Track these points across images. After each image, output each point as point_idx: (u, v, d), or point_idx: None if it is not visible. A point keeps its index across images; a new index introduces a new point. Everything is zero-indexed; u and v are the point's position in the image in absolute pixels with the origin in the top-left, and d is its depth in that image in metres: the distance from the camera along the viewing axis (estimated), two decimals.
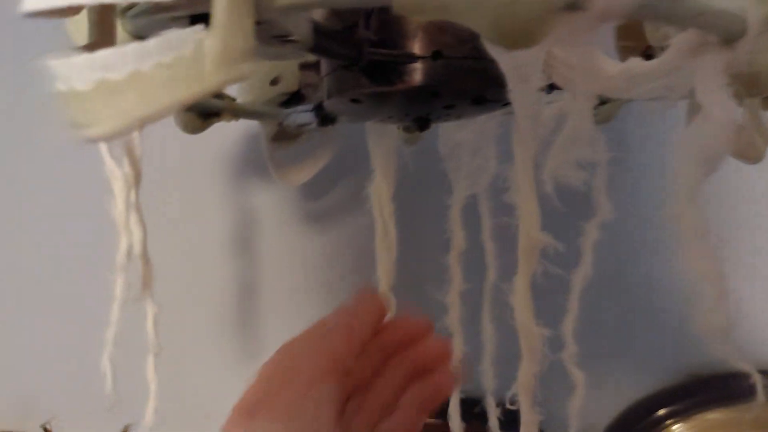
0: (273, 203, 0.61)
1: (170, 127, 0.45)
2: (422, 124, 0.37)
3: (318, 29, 0.25)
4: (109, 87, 0.17)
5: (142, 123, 0.18)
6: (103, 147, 0.37)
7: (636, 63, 0.29)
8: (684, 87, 0.28)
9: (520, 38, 0.19)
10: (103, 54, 0.17)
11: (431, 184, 0.43)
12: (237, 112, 0.47)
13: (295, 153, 0.55)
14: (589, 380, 0.53)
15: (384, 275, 0.45)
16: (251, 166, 0.60)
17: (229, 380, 0.61)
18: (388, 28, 0.31)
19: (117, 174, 0.36)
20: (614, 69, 0.29)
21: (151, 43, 0.18)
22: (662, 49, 0.38)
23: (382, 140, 0.44)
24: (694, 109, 0.39)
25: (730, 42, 0.25)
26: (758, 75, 0.26)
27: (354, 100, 0.34)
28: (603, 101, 0.47)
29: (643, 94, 0.30)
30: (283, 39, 0.23)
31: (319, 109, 0.46)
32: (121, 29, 0.23)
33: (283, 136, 0.54)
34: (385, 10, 0.31)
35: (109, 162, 0.37)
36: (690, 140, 0.25)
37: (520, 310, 0.33)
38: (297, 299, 0.61)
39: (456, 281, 0.49)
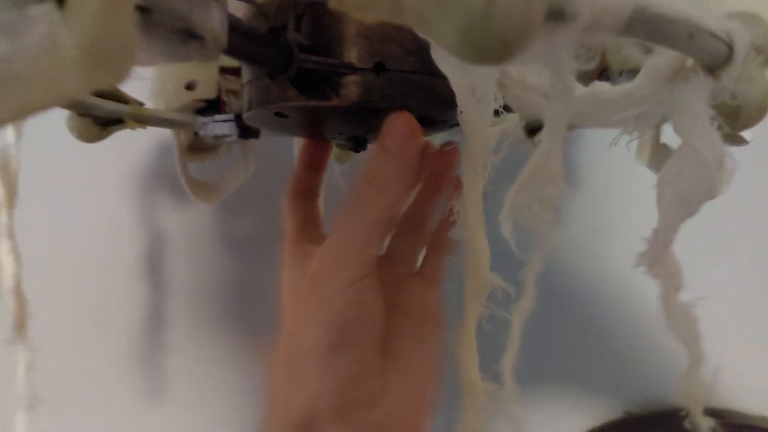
0: (186, 223, 0.54)
1: (66, 133, 0.39)
2: (358, 143, 0.32)
3: (235, 27, 0.20)
4: None
5: None
6: None
7: (605, 87, 0.26)
8: (655, 117, 0.25)
9: (493, 51, 0.15)
10: None
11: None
12: (144, 119, 0.40)
13: (212, 167, 0.48)
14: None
15: None
16: (162, 180, 0.53)
17: (129, 426, 0.53)
18: (322, 33, 0.27)
19: None
20: (579, 92, 0.26)
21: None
22: (620, 73, 0.36)
23: None
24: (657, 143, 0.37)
25: (714, 69, 0.22)
26: (739, 108, 0.23)
27: (279, 114, 0.28)
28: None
29: (609, 122, 0.27)
30: (185, 35, 0.18)
31: (240, 120, 0.41)
32: None
33: (198, 147, 0.48)
34: (319, 9, 0.27)
35: None
36: (669, 179, 0.22)
37: (465, 363, 0.29)
38: (209, 331, 0.54)
39: None
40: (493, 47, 0.15)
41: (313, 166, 0.36)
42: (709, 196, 0.22)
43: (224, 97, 0.44)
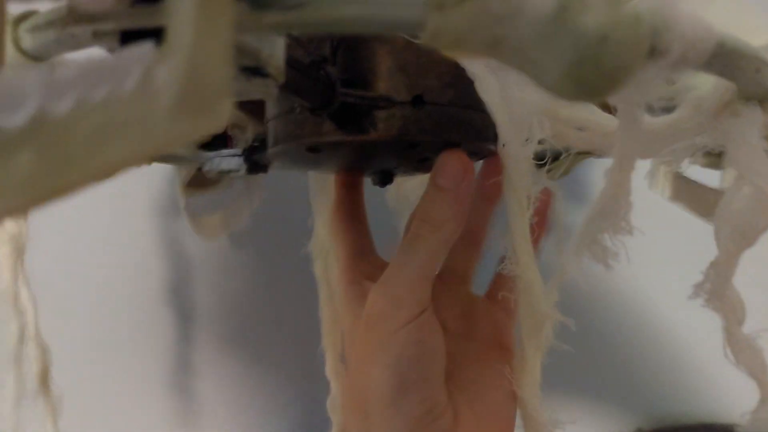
0: (210, 246, 0.52)
1: None
2: (385, 178, 0.32)
3: (291, 62, 0.19)
4: (3, 143, 0.10)
5: (54, 198, 0.11)
6: None
7: (647, 119, 0.25)
8: (693, 149, 0.25)
9: (598, 88, 0.14)
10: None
11: (380, 240, 0.37)
12: (153, 159, 0.38)
13: (214, 201, 0.47)
14: None
15: (330, 345, 0.38)
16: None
17: None
18: (359, 64, 0.26)
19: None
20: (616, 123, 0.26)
21: (70, 70, 0.11)
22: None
23: (326, 192, 0.38)
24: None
25: (764, 102, 0.22)
26: None
27: (312, 149, 0.27)
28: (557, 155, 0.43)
29: (648, 153, 0.26)
30: (251, 72, 0.17)
31: (249, 155, 0.39)
32: (12, 48, 0.16)
33: (199, 182, 0.46)
34: (355, 39, 0.26)
35: None
36: (727, 215, 0.22)
37: (528, 401, 0.28)
38: (237, 353, 0.52)
39: None
40: (600, 84, 0.14)
41: (352, 185, 0.35)
42: (759, 232, 0.22)
43: (230, 132, 0.42)
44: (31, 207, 0.10)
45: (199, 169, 0.44)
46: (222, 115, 0.13)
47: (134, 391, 0.52)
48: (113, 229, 0.52)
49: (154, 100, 0.12)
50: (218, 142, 0.42)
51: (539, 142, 0.27)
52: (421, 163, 0.30)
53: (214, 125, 0.13)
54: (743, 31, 0.23)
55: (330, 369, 0.38)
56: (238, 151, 0.41)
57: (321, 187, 0.38)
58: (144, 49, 0.12)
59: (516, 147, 0.26)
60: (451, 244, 0.27)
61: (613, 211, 0.20)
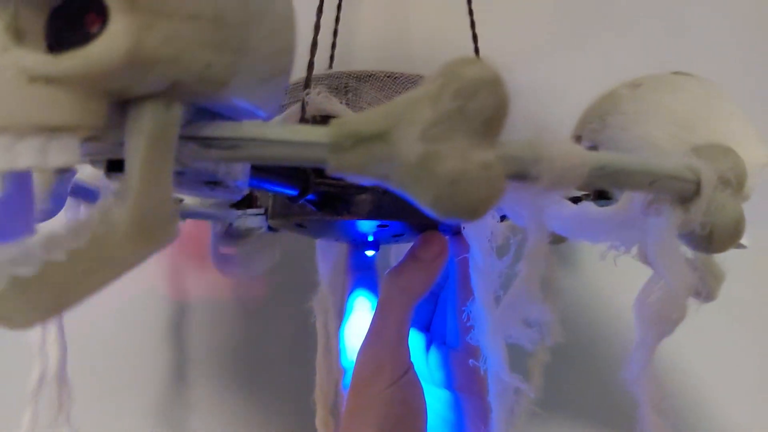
0: (207, 288, 0.58)
1: None
2: (371, 247, 0.35)
3: (256, 166, 0.24)
4: (23, 284, 0.15)
5: (65, 310, 0.16)
6: None
7: (592, 209, 0.28)
8: (636, 239, 0.27)
9: (461, 215, 0.18)
10: (9, 250, 0.15)
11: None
12: (185, 214, 0.44)
13: (241, 252, 0.52)
14: None
15: (322, 397, 0.42)
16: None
17: None
18: None
19: None
20: (568, 211, 0.29)
21: (62, 228, 0.16)
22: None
23: (329, 254, 0.42)
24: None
25: (684, 202, 0.25)
26: (711, 236, 0.25)
27: (298, 225, 0.32)
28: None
29: (597, 240, 0.29)
30: (212, 184, 0.21)
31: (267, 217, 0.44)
32: None
33: (230, 235, 0.52)
34: None
35: None
36: (643, 304, 0.24)
37: None
38: (230, 392, 0.57)
39: None
40: (462, 212, 0.18)
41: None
42: (681, 319, 0.24)
43: (255, 193, 0.48)
44: (47, 320, 0.15)
45: (230, 225, 0.50)
46: (171, 236, 0.17)
47: (132, 426, 0.57)
48: None
49: (115, 238, 0.16)
50: (245, 202, 0.48)
51: (501, 219, 0.31)
52: (396, 238, 0.33)
53: (166, 244, 0.17)
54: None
55: (320, 421, 0.41)
56: (261, 210, 0.46)
57: (325, 251, 0.42)
58: (105, 199, 0.16)
59: (475, 229, 0.29)
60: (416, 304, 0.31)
61: (526, 297, 0.23)
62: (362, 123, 0.18)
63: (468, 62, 0.17)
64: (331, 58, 0.50)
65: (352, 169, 0.18)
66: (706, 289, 0.32)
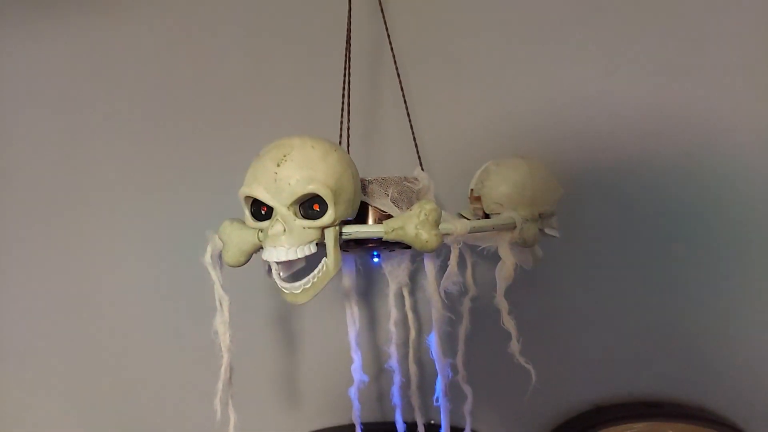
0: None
1: None
2: (376, 257, 0.71)
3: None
4: (306, 289, 0.50)
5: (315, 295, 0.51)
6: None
7: (475, 234, 0.65)
8: (494, 245, 0.65)
9: (429, 250, 0.54)
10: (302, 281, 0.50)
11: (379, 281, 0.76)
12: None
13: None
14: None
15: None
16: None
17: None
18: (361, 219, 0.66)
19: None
20: (463, 227, 0.65)
21: (316, 271, 0.51)
22: (491, 214, 0.74)
23: (348, 264, 0.78)
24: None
25: (512, 229, 0.62)
26: (525, 241, 0.62)
27: (343, 249, 0.67)
28: None
29: (482, 243, 0.66)
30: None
31: None
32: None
33: None
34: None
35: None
36: (499, 271, 0.61)
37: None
38: None
39: (393, 338, 0.83)
40: (428, 250, 0.54)
41: None
42: (511, 277, 0.61)
43: None
44: (310, 299, 0.51)
45: None
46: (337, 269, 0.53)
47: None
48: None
49: (327, 271, 0.52)
50: None
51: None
52: (391, 251, 0.69)
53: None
54: None
55: None
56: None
57: (346, 263, 0.77)
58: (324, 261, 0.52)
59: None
60: None
61: (452, 273, 0.60)
62: (394, 222, 0.54)
63: (427, 203, 0.53)
64: None
65: (391, 237, 0.54)
66: (529, 262, 0.70)
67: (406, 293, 0.86)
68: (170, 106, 0.98)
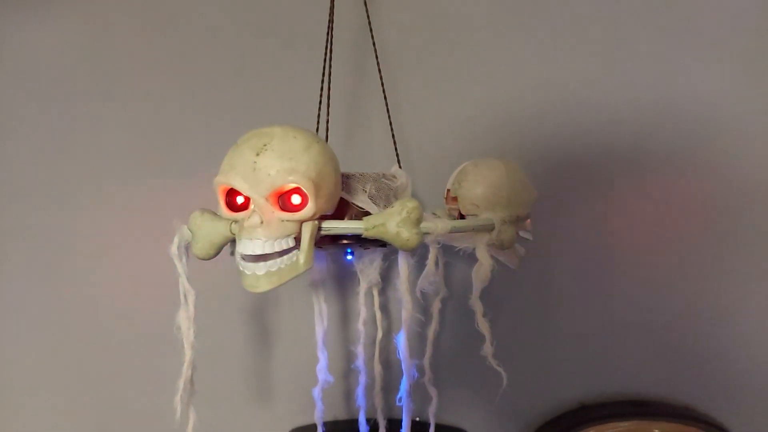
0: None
1: None
2: (349, 254, 0.70)
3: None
4: (270, 274, 0.48)
5: (277, 286, 0.49)
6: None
7: (454, 234, 0.64)
8: (471, 246, 0.64)
9: (410, 249, 0.53)
10: (269, 263, 0.48)
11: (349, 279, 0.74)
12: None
13: None
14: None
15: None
16: None
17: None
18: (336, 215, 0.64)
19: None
20: (450, 225, 0.64)
21: (286, 258, 0.49)
22: (466, 215, 0.74)
23: (320, 261, 0.76)
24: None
25: (490, 230, 0.61)
26: (502, 243, 0.62)
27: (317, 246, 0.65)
28: None
29: (458, 243, 0.65)
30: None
31: None
32: None
33: None
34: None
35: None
36: (476, 272, 0.61)
37: None
38: None
39: (361, 337, 0.81)
40: (408, 249, 0.53)
41: None
42: (487, 279, 0.60)
43: None
44: (271, 288, 0.49)
45: None
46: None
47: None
48: None
49: (296, 264, 0.50)
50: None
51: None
52: (367, 246, 0.68)
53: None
54: None
55: None
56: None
57: (318, 260, 0.75)
58: (293, 254, 0.50)
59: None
60: None
61: (430, 270, 0.59)
62: (374, 219, 0.52)
63: (410, 200, 0.52)
64: None
65: (370, 234, 0.52)
66: (514, 261, 0.69)
67: (375, 292, 0.85)
68: (152, 98, 0.96)
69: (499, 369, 0.61)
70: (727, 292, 0.89)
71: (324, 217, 0.53)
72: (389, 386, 0.86)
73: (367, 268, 0.81)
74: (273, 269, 0.49)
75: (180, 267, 0.61)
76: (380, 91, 0.76)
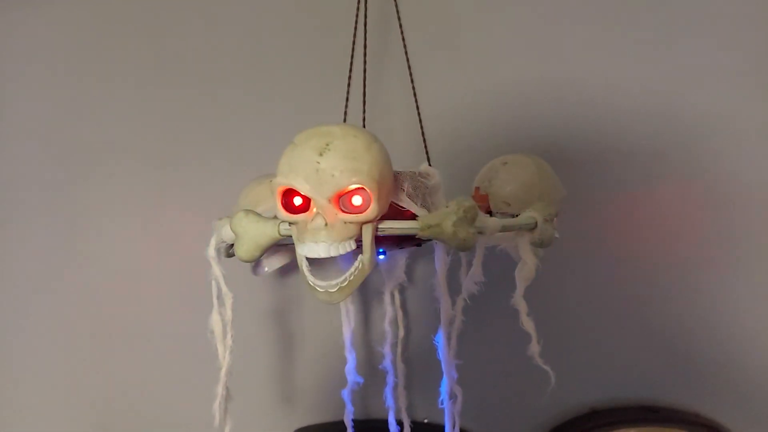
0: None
1: None
2: (382, 254, 0.69)
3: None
4: (342, 288, 0.47)
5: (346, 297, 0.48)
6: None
7: (498, 234, 0.64)
8: (514, 245, 0.64)
9: (464, 249, 0.52)
10: (339, 278, 0.47)
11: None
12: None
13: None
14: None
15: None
16: None
17: None
18: None
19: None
20: (495, 226, 0.64)
21: (352, 268, 0.48)
22: (496, 213, 0.73)
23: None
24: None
25: (532, 229, 0.61)
26: (542, 242, 0.62)
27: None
28: None
29: (500, 242, 0.65)
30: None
31: None
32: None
33: None
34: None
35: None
36: (520, 271, 0.60)
37: None
38: None
39: (389, 337, 0.81)
40: (464, 249, 0.52)
41: None
42: (531, 277, 0.60)
43: None
44: (345, 298, 0.48)
45: None
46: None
47: None
48: None
49: (363, 269, 0.49)
50: None
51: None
52: (399, 250, 0.67)
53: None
54: None
55: None
56: None
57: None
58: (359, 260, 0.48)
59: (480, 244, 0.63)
60: None
61: (477, 273, 0.58)
62: (429, 219, 0.51)
63: (465, 200, 0.51)
64: None
65: (425, 234, 0.52)
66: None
67: (396, 292, 0.84)
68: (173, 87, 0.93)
69: (546, 368, 0.61)
70: (741, 296, 0.90)
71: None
72: (411, 385, 0.85)
73: (393, 268, 0.80)
74: (344, 284, 0.48)
75: (217, 269, 0.60)
76: (407, 88, 0.75)
